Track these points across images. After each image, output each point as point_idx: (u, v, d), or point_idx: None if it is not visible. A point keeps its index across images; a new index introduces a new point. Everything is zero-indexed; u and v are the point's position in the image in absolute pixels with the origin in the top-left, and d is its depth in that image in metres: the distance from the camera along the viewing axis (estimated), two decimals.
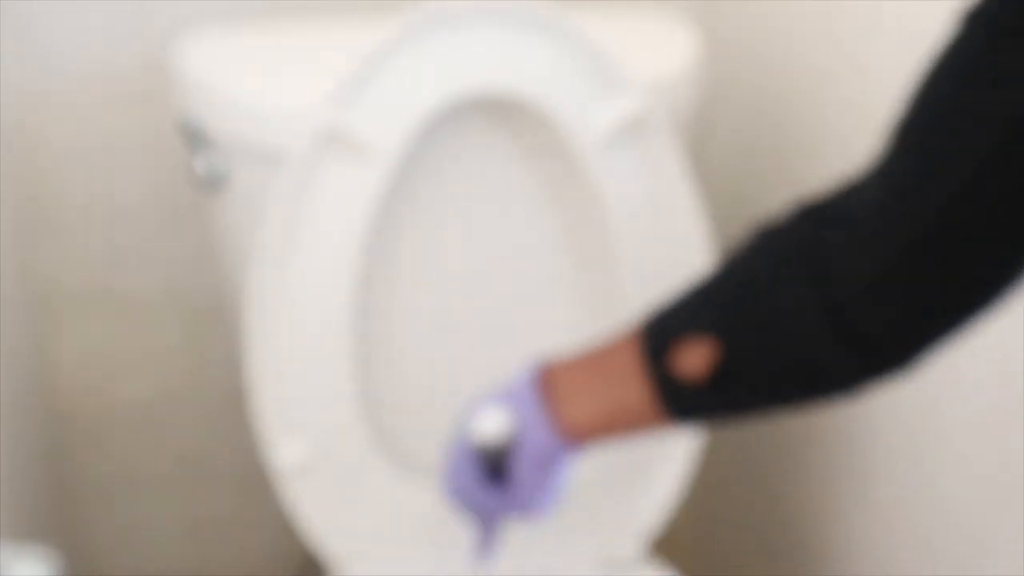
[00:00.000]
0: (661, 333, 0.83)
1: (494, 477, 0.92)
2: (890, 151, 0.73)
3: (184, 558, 1.57)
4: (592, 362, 0.88)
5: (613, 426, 0.88)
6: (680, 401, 0.83)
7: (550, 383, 0.90)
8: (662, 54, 1.22)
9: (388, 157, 1.11)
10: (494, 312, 1.21)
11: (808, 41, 1.27)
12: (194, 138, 1.18)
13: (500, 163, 1.17)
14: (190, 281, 1.43)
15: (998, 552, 1.08)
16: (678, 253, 1.18)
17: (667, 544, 1.45)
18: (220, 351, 1.44)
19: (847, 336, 0.75)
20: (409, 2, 1.11)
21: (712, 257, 1.19)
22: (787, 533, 1.44)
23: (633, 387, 0.85)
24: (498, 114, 1.14)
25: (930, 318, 0.74)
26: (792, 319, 0.77)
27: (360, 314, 1.17)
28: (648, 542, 1.28)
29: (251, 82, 1.17)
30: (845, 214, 0.75)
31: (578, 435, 0.89)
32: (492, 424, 0.90)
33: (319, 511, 1.20)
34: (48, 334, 1.42)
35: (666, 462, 1.25)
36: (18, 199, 1.35)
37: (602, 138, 1.14)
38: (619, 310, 1.18)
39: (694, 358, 0.81)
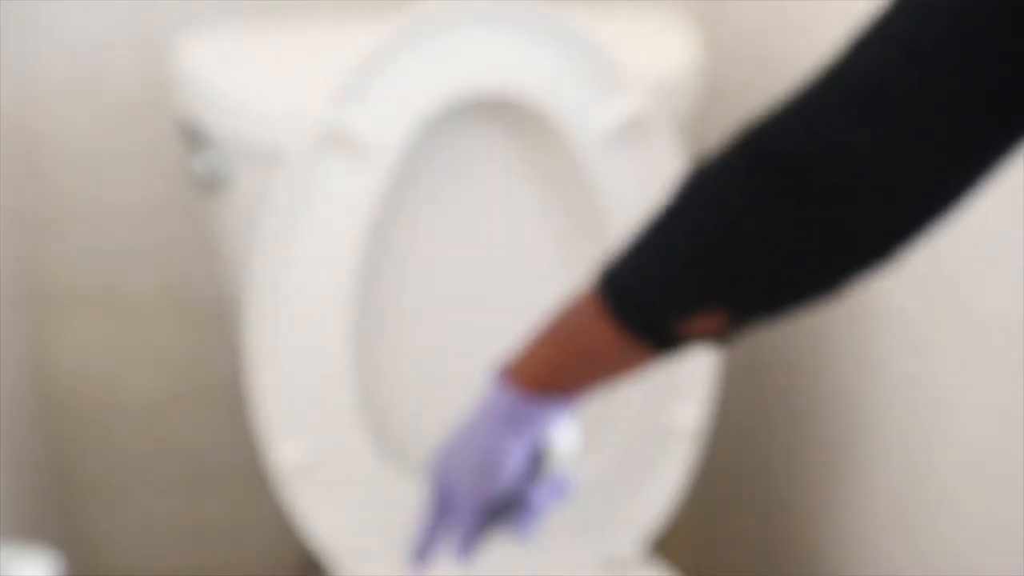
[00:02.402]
0: (658, 314, 0.79)
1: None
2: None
3: (184, 558, 1.57)
4: (550, 333, 0.86)
5: (579, 363, 0.85)
6: (675, 347, 0.81)
7: (510, 367, 0.88)
8: (662, 54, 1.22)
9: (388, 157, 1.11)
10: (494, 312, 1.21)
11: (808, 41, 1.27)
12: (194, 138, 1.18)
13: (500, 163, 1.17)
14: (190, 281, 1.43)
15: (998, 552, 1.08)
16: None
17: (667, 544, 1.45)
18: (220, 351, 1.44)
19: (843, 240, 0.73)
20: (409, 2, 1.11)
21: None
22: (787, 533, 1.44)
23: (601, 334, 0.82)
24: (498, 114, 1.14)
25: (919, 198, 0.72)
26: (791, 249, 0.74)
27: (360, 314, 1.17)
28: (648, 542, 1.28)
29: (251, 82, 1.17)
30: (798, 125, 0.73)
31: (542, 382, 0.86)
32: (569, 436, 0.92)
33: (319, 511, 1.20)
34: (48, 333, 1.42)
35: (666, 462, 1.25)
36: (18, 198, 1.35)
37: (602, 138, 1.14)
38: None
39: (704, 326, 0.79)
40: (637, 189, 1.16)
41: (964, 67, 0.65)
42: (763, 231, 0.74)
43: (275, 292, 1.13)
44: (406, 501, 1.21)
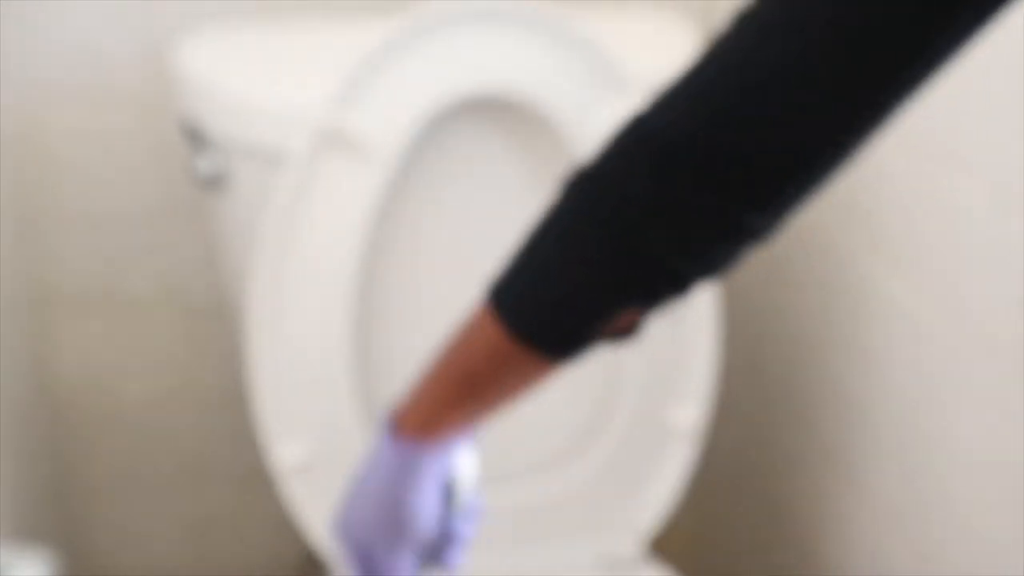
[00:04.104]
0: (568, 327, 0.76)
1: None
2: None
3: (184, 558, 1.57)
4: (438, 370, 0.81)
5: (473, 392, 0.80)
6: (584, 350, 0.78)
7: (400, 416, 0.83)
8: (662, 54, 1.22)
9: (388, 157, 1.11)
10: None
11: None
12: (194, 138, 1.18)
13: (499, 163, 1.17)
14: (190, 281, 1.43)
15: (998, 552, 1.08)
16: None
17: (667, 544, 1.45)
18: (220, 351, 1.44)
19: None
20: (409, 2, 1.11)
21: None
22: (786, 533, 1.44)
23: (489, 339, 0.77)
24: (498, 114, 1.14)
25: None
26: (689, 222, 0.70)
27: (360, 313, 1.17)
28: (648, 542, 1.28)
29: (251, 82, 1.17)
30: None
31: (433, 426, 0.81)
32: (469, 459, 0.87)
33: (319, 511, 1.20)
34: (48, 335, 1.42)
35: (666, 462, 1.25)
36: (18, 199, 1.35)
37: (602, 138, 1.14)
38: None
39: (621, 323, 0.76)
40: None
41: None
42: (657, 207, 0.70)
43: (275, 292, 1.13)
44: None
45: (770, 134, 0.67)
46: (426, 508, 0.84)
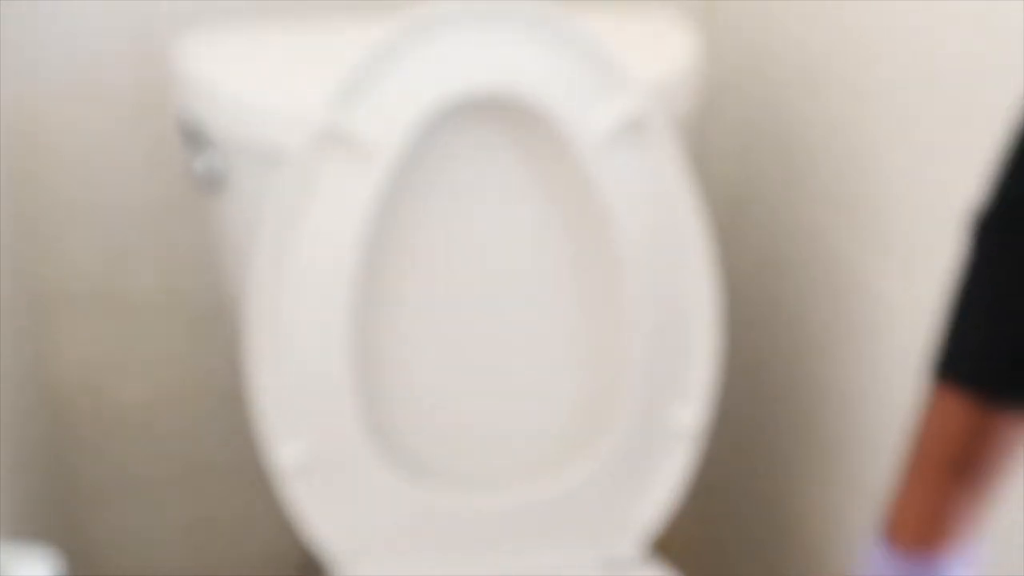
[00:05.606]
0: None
1: None
2: None
3: (184, 558, 1.57)
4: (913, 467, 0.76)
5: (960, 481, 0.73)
6: None
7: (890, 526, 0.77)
8: (662, 54, 1.22)
9: (388, 157, 1.11)
10: (494, 312, 1.21)
11: (808, 41, 1.27)
12: (194, 138, 1.18)
13: (500, 163, 1.17)
14: (190, 281, 1.43)
15: (998, 552, 1.08)
16: (678, 253, 1.18)
17: (667, 544, 1.45)
18: (220, 351, 1.44)
19: None
20: (409, 2, 1.11)
21: (712, 256, 1.19)
22: (786, 533, 1.44)
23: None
24: (498, 114, 1.14)
25: None
26: None
27: (360, 314, 1.17)
28: (648, 542, 1.28)
29: (251, 82, 1.17)
30: None
31: (927, 533, 0.75)
32: None
33: (319, 511, 1.20)
34: (48, 335, 1.42)
35: (666, 462, 1.25)
36: (18, 199, 1.35)
37: (602, 138, 1.14)
38: (619, 310, 1.18)
39: None
40: (636, 189, 1.16)
41: None
42: None
43: (275, 292, 1.13)
44: (405, 501, 1.21)
45: None
46: None
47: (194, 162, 1.19)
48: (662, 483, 1.25)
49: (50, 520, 1.42)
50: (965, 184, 1.06)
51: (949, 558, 0.74)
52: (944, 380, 0.71)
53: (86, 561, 1.53)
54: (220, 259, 1.27)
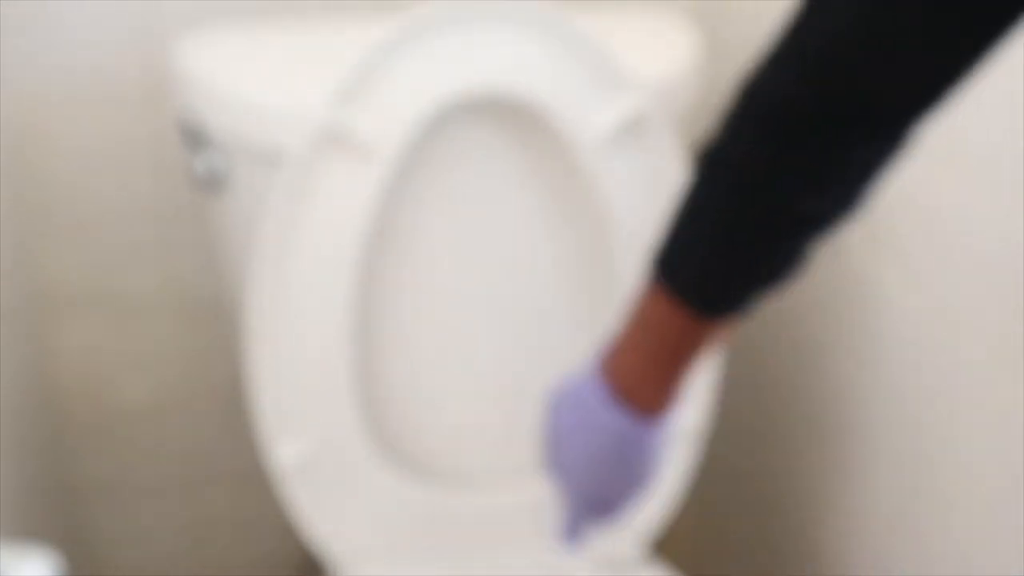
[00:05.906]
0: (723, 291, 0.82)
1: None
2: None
3: (184, 558, 1.57)
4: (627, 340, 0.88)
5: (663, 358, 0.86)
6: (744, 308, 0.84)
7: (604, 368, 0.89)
8: (662, 54, 1.22)
9: (388, 157, 1.11)
10: (494, 311, 1.21)
11: None
12: (194, 138, 1.18)
13: (500, 163, 1.17)
14: (190, 281, 1.43)
15: (998, 552, 1.08)
16: None
17: (667, 544, 1.45)
18: (220, 351, 1.44)
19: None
20: (409, 2, 1.11)
21: None
22: (787, 533, 1.44)
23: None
24: (498, 114, 1.14)
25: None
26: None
27: (360, 314, 1.17)
28: (648, 542, 1.28)
29: (251, 82, 1.17)
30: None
31: (656, 401, 0.88)
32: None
33: (319, 511, 1.20)
34: (48, 334, 1.42)
35: (666, 462, 1.25)
36: (18, 199, 1.35)
37: (602, 138, 1.14)
38: (620, 308, 1.18)
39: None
40: (637, 189, 1.16)
41: None
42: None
43: (275, 292, 1.13)
44: (406, 501, 1.21)
45: (872, 73, 0.74)
46: (657, 467, 0.93)
47: (194, 162, 1.19)
48: (663, 484, 1.25)
49: (50, 520, 1.42)
50: (966, 184, 1.06)
51: (662, 421, 0.89)
52: (667, 284, 0.82)
53: (86, 561, 1.53)
54: (220, 259, 1.27)
